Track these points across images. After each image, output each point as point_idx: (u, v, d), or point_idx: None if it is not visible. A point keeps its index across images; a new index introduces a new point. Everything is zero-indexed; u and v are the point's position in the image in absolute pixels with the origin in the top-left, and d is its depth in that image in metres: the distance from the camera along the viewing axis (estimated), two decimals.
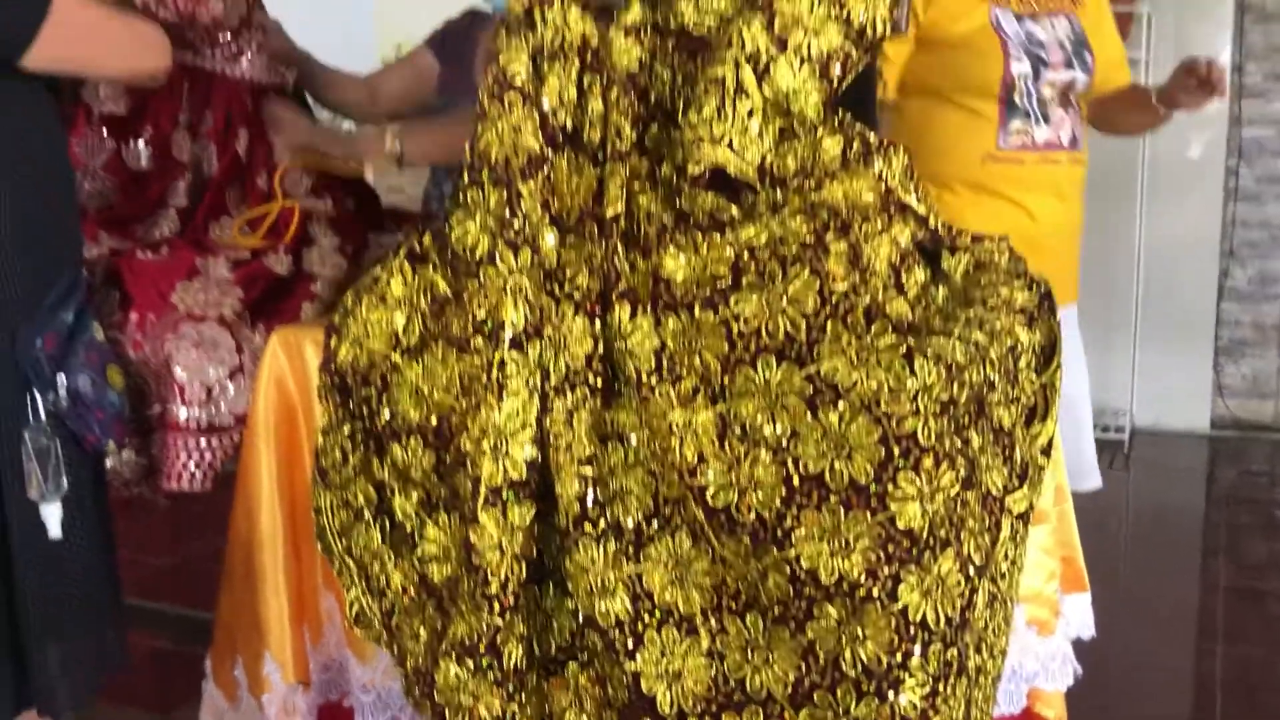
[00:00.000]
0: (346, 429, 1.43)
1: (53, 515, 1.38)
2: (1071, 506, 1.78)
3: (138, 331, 1.57)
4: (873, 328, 1.23)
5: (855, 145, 1.48)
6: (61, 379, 1.39)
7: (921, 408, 1.20)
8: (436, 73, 2.13)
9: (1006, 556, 1.41)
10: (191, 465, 1.53)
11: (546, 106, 1.36)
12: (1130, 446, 3.79)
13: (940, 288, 1.47)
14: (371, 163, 1.86)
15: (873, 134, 1.53)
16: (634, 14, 1.41)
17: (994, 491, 1.35)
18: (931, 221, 1.50)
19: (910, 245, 1.44)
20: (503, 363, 1.28)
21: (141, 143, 1.76)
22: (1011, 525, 1.40)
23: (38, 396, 1.39)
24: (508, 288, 1.29)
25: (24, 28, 1.35)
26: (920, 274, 1.46)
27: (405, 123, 1.84)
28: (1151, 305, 3.91)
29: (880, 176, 1.46)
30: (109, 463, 1.56)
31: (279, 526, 1.56)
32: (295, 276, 1.72)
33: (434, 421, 1.37)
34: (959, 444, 1.26)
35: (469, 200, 1.36)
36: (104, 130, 1.74)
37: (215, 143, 1.79)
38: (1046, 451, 1.48)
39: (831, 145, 1.44)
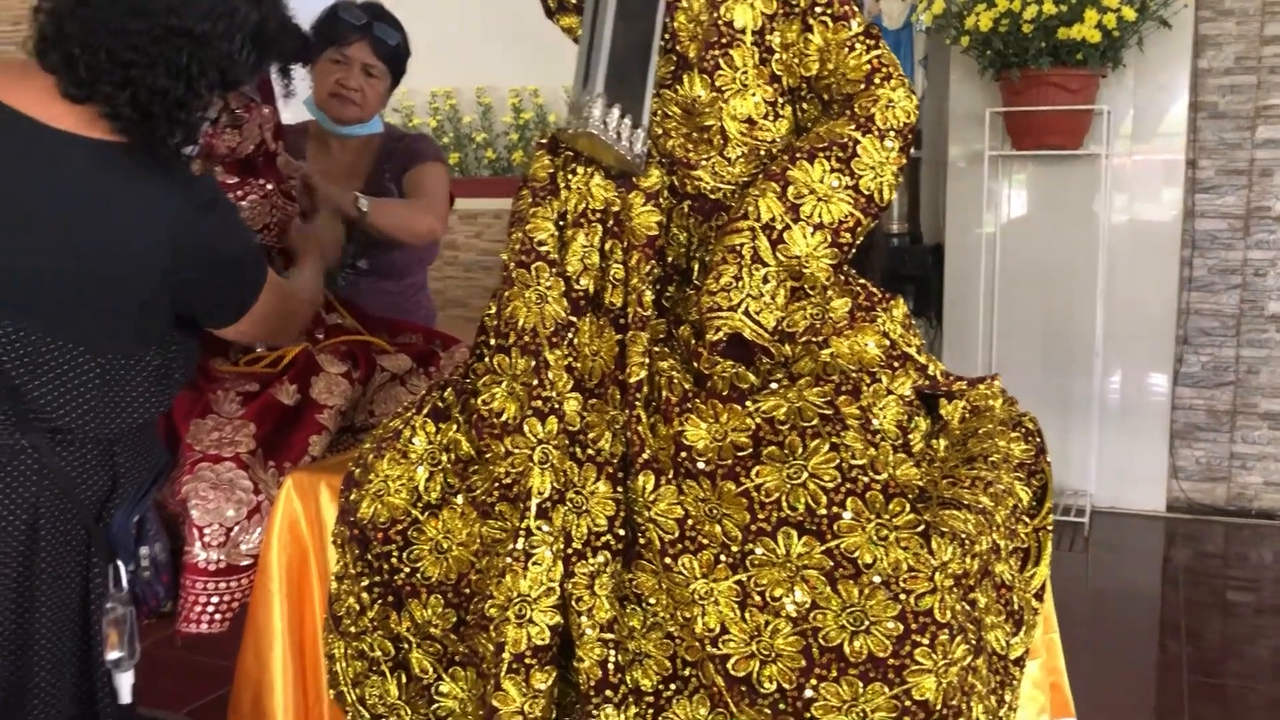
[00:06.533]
0: (365, 581, 1.44)
1: (126, 682, 1.44)
2: (1058, 634, 1.84)
3: None
4: (890, 505, 1.28)
5: (860, 299, 1.54)
6: (144, 550, 1.44)
7: (938, 584, 1.24)
8: None
9: (1005, 703, 1.46)
10: (210, 608, 1.54)
11: (570, 271, 1.40)
12: (1090, 528, 3.88)
13: (941, 439, 1.53)
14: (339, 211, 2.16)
15: (875, 287, 1.59)
16: (653, 179, 1.46)
17: (999, 649, 1.40)
18: (931, 369, 1.56)
19: (912, 394, 1.50)
20: (529, 531, 1.31)
21: None
22: (1010, 672, 1.45)
23: (121, 567, 1.44)
24: (535, 457, 1.32)
25: (231, 314, 1.50)
26: (923, 424, 1.52)
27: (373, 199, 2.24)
28: (1110, 389, 4.03)
29: (882, 329, 1.52)
30: None
31: (288, 667, 1.57)
32: (303, 406, 1.74)
33: (453, 578, 1.39)
34: (969, 610, 1.31)
35: (495, 365, 1.39)
36: None
37: None
38: (1040, 595, 1.54)
39: (840, 305, 1.50)
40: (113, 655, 1.44)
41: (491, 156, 5.55)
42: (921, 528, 1.26)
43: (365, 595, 1.44)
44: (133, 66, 1.31)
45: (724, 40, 1.47)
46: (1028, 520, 1.51)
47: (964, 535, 1.29)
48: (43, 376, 1.37)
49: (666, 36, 1.50)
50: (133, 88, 1.32)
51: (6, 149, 1.34)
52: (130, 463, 1.48)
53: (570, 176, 1.44)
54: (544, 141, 1.49)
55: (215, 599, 1.55)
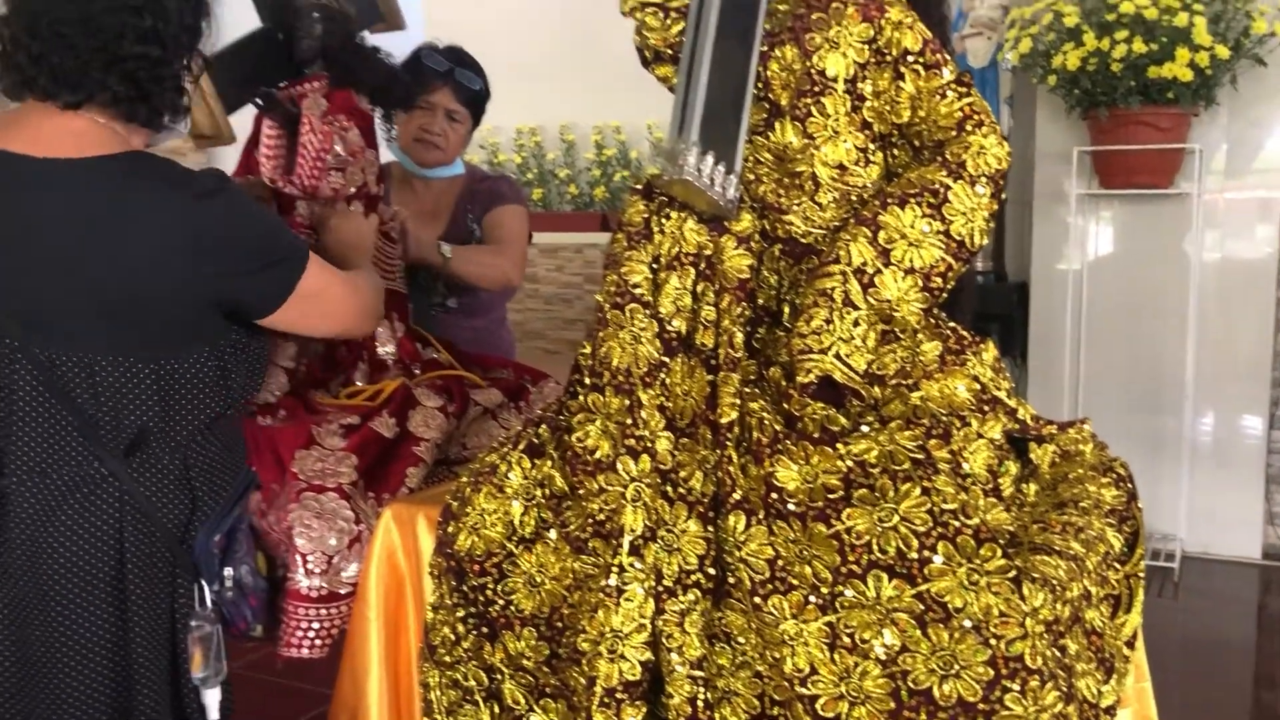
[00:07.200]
0: (460, 612, 1.49)
1: (213, 699, 1.48)
2: (1150, 683, 1.81)
3: (263, 501, 1.65)
4: (982, 550, 1.28)
5: (950, 343, 1.55)
6: (228, 571, 1.49)
7: (1029, 630, 1.24)
8: None
9: None
10: (311, 633, 1.60)
11: (663, 313, 1.44)
12: (1180, 574, 3.79)
13: (1031, 484, 1.53)
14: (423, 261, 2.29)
15: (965, 330, 1.60)
16: (744, 224, 1.49)
17: (1090, 697, 1.38)
18: (1020, 413, 1.56)
19: (1002, 438, 1.50)
20: (622, 567, 1.34)
21: None
22: None
23: (205, 586, 1.49)
24: (628, 495, 1.36)
25: (275, 298, 1.51)
26: (1013, 468, 1.52)
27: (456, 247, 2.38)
28: (1201, 431, 3.95)
29: (972, 373, 1.53)
30: None
31: (384, 694, 1.62)
32: (401, 439, 1.80)
33: (546, 611, 1.43)
34: (1059, 656, 1.30)
35: (589, 403, 1.43)
36: None
37: None
38: (1131, 643, 1.52)
39: (930, 349, 1.51)
40: (198, 673, 1.48)
41: (574, 192, 5.65)
42: (1013, 573, 1.27)
43: (460, 626, 1.49)
44: (108, 45, 1.39)
45: (816, 88, 1.50)
46: (1119, 567, 1.50)
47: (1055, 581, 1.29)
48: (103, 395, 1.43)
49: (759, 85, 1.53)
50: (118, 66, 1.40)
51: (10, 188, 1.41)
52: (208, 485, 1.53)
53: (664, 221, 1.47)
54: (638, 187, 1.53)
55: (316, 625, 1.60)
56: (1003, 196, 1.52)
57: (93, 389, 1.43)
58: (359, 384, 1.90)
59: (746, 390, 1.44)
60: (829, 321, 1.42)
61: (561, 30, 5.44)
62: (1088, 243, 4.00)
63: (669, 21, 1.55)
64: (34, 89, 1.43)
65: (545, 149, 5.73)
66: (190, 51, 1.49)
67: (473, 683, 1.48)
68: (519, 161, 5.72)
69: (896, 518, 1.30)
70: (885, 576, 1.29)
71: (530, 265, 5.75)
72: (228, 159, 2.07)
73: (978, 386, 1.51)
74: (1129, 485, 1.55)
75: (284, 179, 1.79)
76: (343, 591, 1.62)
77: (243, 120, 1.98)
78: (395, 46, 2.13)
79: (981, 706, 1.23)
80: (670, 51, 1.57)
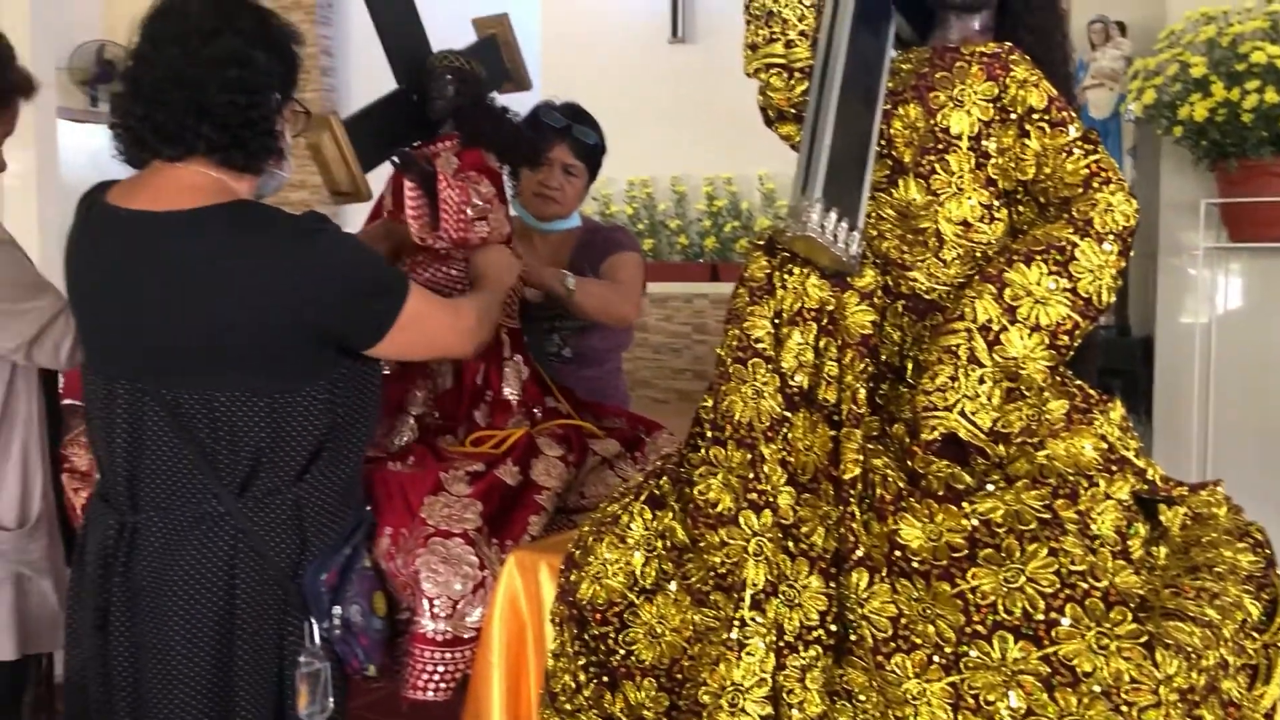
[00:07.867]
0: (581, 660, 1.51)
1: None
2: None
3: (392, 545, 1.71)
4: (1111, 613, 1.26)
5: (1077, 401, 1.53)
6: (337, 610, 1.54)
7: (1163, 698, 1.21)
8: None
9: None
10: (436, 676, 1.64)
11: (786, 368, 1.45)
12: None
13: (1161, 547, 1.49)
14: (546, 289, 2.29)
15: (1091, 389, 1.58)
16: (867, 279, 1.50)
17: None
18: (1150, 473, 1.53)
19: (1130, 499, 1.47)
20: (743, 621, 1.34)
21: None
22: None
23: (314, 624, 1.54)
24: (749, 549, 1.37)
25: (378, 329, 1.58)
26: (1142, 530, 1.48)
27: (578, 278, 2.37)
28: None
29: (1099, 432, 1.50)
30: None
31: None
32: (524, 487, 1.84)
33: (666, 663, 1.44)
34: None
35: (711, 456, 1.45)
36: None
37: (450, 361, 1.95)
38: (1270, 716, 1.46)
39: (1057, 407, 1.49)
40: (304, 710, 1.52)
41: (684, 242, 5.70)
42: (1145, 638, 1.24)
43: (581, 674, 1.51)
44: (197, 97, 1.49)
45: (940, 146, 1.51)
46: (1257, 636, 1.45)
47: (1190, 648, 1.26)
48: (221, 428, 1.52)
49: (882, 142, 1.55)
50: (210, 116, 1.50)
51: (132, 243, 1.53)
52: (318, 523, 1.58)
53: (786, 277, 1.49)
54: (760, 243, 1.55)
55: (441, 668, 1.64)
56: (1130, 254, 1.50)
57: (211, 423, 1.52)
58: (480, 423, 1.95)
59: (870, 446, 1.44)
60: (954, 379, 1.42)
61: (673, 83, 5.54)
62: (1216, 296, 3.88)
63: (793, 81, 1.58)
64: (146, 149, 1.55)
65: (657, 200, 5.80)
66: (281, 96, 1.59)
67: None
68: (631, 212, 5.80)
69: (1023, 578, 1.29)
70: (1011, 638, 1.27)
71: (640, 315, 5.82)
72: (358, 213, 2.17)
73: (1105, 446, 1.49)
74: (1267, 551, 1.50)
75: (432, 235, 1.87)
76: (466, 636, 1.66)
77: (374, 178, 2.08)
78: (513, 102, 2.21)
79: None
80: (794, 111, 1.59)
